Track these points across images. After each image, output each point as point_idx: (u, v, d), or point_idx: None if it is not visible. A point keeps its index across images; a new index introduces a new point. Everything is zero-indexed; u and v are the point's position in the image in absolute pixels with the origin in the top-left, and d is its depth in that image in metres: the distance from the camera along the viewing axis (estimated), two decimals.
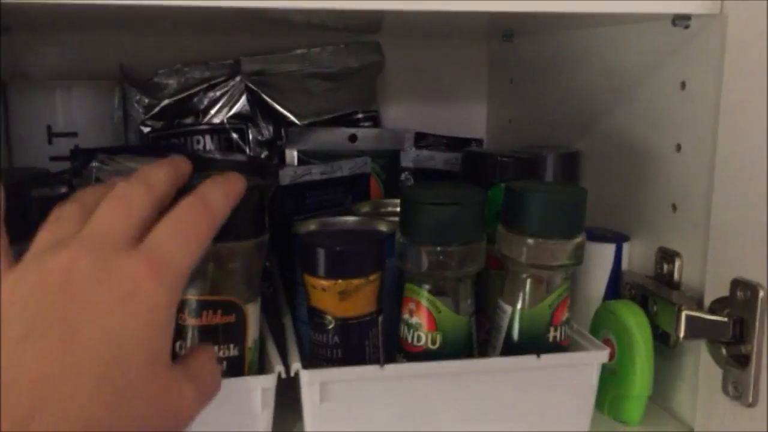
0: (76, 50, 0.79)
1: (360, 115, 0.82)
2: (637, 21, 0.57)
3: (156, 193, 0.35)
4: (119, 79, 0.76)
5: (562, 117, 0.71)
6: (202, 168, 0.40)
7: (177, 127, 0.77)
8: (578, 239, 0.46)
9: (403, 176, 0.78)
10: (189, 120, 0.77)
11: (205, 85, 0.77)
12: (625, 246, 0.58)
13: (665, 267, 0.54)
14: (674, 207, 0.53)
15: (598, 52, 0.64)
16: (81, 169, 0.58)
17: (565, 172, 0.66)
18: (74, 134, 0.72)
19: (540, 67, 0.76)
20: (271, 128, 0.78)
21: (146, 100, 0.76)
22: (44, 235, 0.34)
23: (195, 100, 0.77)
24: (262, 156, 0.78)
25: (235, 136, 0.78)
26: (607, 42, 0.62)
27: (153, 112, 0.76)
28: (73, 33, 0.78)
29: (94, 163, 0.57)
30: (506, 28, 0.80)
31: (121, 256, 0.32)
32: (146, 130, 0.76)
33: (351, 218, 0.55)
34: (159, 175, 0.36)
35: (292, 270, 0.54)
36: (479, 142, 0.86)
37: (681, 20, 0.51)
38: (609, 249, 0.57)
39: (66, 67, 0.78)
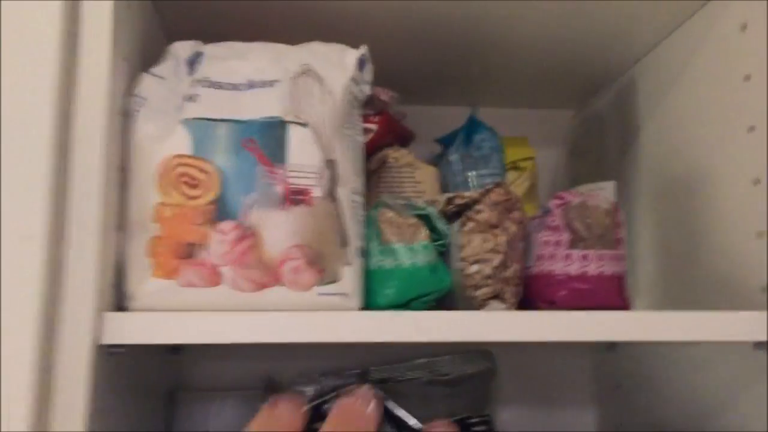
0: (229, 361, 0.92)
1: (474, 420, 0.88)
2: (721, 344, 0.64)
3: None
4: (264, 387, 0.87)
5: (669, 424, 0.75)
6: None
7: None
8: None
9: None
10: (317, 426, 0.86)
11: (335, 393, 0.87)
12: None
13: None
14: None
15: (692, 367, 0.70)
16: None
17: None
18: None
19: (644, 376, 0.82)
20: None
21: None
22: None
23: (326, 406, 0.87)
24: None
25: None
26: (696, 360, 0.69)
27: None
28: (227, 350, 0.92)
29: None
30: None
31: None
32: None
33: None
34: None
35: None
36: None
37: (760, 346, 0.58)
38: None
39: (220, 378, 0.91)
